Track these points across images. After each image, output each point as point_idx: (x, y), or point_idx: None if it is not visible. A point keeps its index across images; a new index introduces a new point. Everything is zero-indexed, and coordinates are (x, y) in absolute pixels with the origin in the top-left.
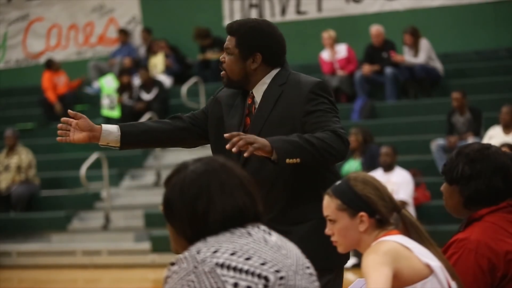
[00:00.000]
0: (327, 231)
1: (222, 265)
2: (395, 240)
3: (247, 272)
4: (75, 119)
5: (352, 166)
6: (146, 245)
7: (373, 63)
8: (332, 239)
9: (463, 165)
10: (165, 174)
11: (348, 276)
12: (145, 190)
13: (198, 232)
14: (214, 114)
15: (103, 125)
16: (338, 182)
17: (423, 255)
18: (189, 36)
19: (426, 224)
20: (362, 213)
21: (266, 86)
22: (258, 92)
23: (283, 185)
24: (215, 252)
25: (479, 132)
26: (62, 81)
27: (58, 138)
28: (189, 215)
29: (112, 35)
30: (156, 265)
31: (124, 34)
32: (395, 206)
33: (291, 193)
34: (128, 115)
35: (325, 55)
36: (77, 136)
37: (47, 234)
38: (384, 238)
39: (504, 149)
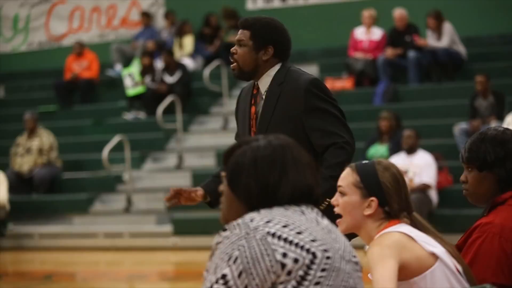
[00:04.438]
0: (333, 200)
1: (273, 235)
2: (399, 230)
3: (296, 245)
4: (196, 193)
5: (378, 150)
6: (167, 228)
7: (396, 46)
8: (336, 210)
9: (494, 148)
10: (187, 157)
11: None
12: (167, 172)
13: (264, 202)
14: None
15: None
16: (366, 161)
17: (427, 242)
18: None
19: (448, 208)
20: (373, 198)
21: (270, 79)
22: (262, 83)
23: None
24: (268, 222)
25: (502, 115)
26: (84, 65)
27: (169, 204)
28: (260, 185)
29: (135, 17)
30: (177, 247)
31: (146, 16)
32: (408, 207)
33: None
34: (151, 97)
35: (360, 33)
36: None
37: (69, 216)
38: (388, 230)
39: None
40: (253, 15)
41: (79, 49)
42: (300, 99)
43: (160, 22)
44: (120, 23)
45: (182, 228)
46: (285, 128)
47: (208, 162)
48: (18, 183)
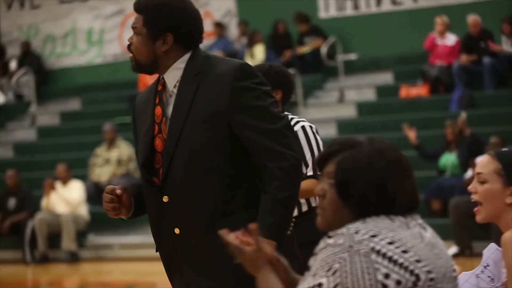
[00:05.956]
0: (471, 188)
1: (378, 252)
2: None
3: (401, 265)
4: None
5: (448, 159)
6: None
7: (470, 52)
8: (473, 197)
9: None
10: None
11: None
12: None
13: (379, 212)
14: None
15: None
16: (505, 149)
17: None
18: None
19: None
20: None
21: (179, 73)
22: (170, 79)
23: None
24: (373, 236)
25: None
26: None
27: (112, 214)
28: (377, 193)
29: (208, 28)
30: None
31: (220, 27)
32: None
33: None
34: None
35: (434, 39)
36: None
37: (148, 226)
38: None
39: None
40: None
41: None
42: (227, 92)
43: (233, 32)
44: None
45: None
46: (205, 128)
47: None
48: (98, 194)
